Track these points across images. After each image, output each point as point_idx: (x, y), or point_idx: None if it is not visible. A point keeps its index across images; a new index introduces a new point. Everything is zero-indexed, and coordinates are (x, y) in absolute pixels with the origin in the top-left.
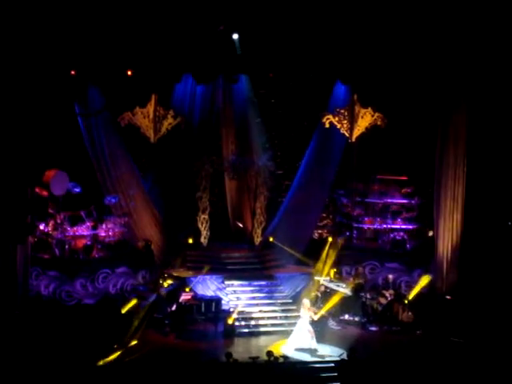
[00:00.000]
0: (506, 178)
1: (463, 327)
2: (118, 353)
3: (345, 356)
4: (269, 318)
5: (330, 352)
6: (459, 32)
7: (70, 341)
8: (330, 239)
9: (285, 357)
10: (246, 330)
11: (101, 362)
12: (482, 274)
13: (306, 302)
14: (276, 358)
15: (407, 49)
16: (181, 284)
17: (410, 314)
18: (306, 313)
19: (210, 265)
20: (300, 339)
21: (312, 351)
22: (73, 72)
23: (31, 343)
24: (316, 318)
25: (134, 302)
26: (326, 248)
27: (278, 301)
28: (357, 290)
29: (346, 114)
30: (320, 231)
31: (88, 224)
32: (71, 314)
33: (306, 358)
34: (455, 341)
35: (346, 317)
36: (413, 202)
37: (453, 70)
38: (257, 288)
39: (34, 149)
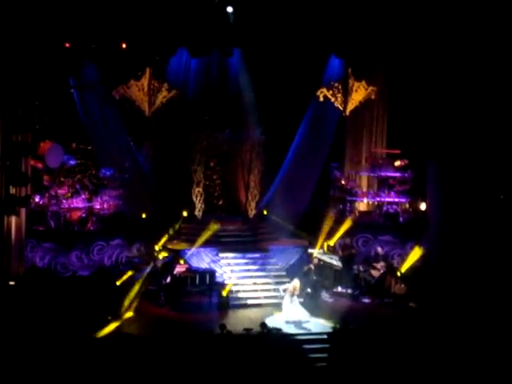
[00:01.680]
0: (498, 152)
1: (455, 299)
2: (113, 324)
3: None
4: (262, 290)
5: (322, 324)
6: None
7: (65, 312)
8: (324, 212)
9: (278, 328)
10: (240, 302)
11: (97, 334)
12: (474, 246)
13: (296, 282)
14: (269, 330)
15: (399, 21)
16: (175, 256)
17: (402, 286)
18: (292, 290)
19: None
20: (289, 312)
21: (300, 323)
22: (67, 45)
23: (26, 314)
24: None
25: (129, 273)
26: (320, 221)
27: (272, 273)
28: (347, 261)
29: (340, 87)
30: (314, 204)
31: (83, 196)
32: (66, 286)
33: (294, 330)
34: (447, 312)
35: (339, 289)
36: (406, 175)
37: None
38: (251, 260)
39: (29, 121)
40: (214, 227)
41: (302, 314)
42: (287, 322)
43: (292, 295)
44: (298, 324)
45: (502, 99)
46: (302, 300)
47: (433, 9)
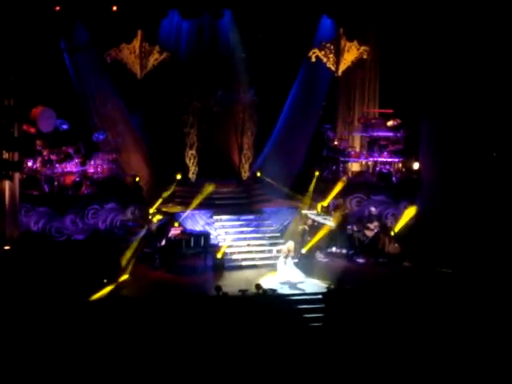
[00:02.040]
0: (491, 110)
1: (449, 257)
2: (109, 287)
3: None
4: (257, 251)
5: (317, 284)
6: None
7: (61, 276)
8: (317, 173)
9: (273, 289)
10: (235, 264)
11: (92, 297)
12: (467, 204)
13: (290, 243)
14: (264, 291)
15: None
16: (170, 219)
17: (396, 245)
18: (286, 252)
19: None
20: (284, 273)
21: (295, 284)
22: (58, 8)
23: (22, 278)
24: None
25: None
26: (313, 182)
27: (266, 235)
28: (341, 222)
29: (331, 47)
30: (307, 165)
31: (76, 160)
32: (61, 250)
33: (289, 290)
34: (443, 271)
35: (334, 249)
36: (398, 135)
37: None
38: (245, 222)
39: (20, 86)
40: (208, 189)
41: (296, 275)
42: (282, 283)
43: (286, 257)
44: (292, 284)
45: (495, 56)
46: (296, 261)
47: None
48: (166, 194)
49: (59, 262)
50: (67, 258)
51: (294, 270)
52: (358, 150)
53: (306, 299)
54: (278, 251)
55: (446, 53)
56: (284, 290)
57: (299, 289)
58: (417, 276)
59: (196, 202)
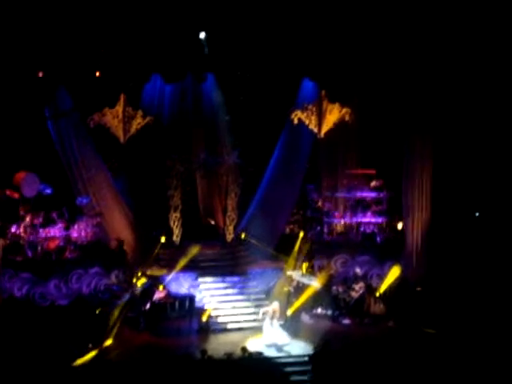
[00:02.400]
0: (471, 172)
1: (434, 318)
2: (93, 352)
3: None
4: (242, 313)
5: (303, 346)
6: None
7: (45, 342)
8: (302, 234)
9: (259, 352)
10: (221, 327)
11: (77, 362)
12: (450, 264)
13: (276, 305)
14: (250, 354)
15: (373, 45)
16: (154, 282)
17: (381, 306)
18: (271, 313)
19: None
20: (270, 335)
21: (281, 346)
22: (40, 74)
23: (5, 345)
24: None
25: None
26: (298, 243)
27: (251, 296)
28: (326, 283)
29: (314, 109)
30: (291, 226)
31: (60, 225)
32: (45, 315)
33: (275, 353)
34: (427, 332)
35: (319, 310)
36: (382, 195)
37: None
38: (230, 284)
39: (3, 151)
40: (193, 251)
41: (282, 337)
42: (268, 346)
43: (272, 318)
44: (278, 347)
45: (475, 115)
46: (282, 322)
47: (403, 34)
48: (150, 258)
49: (43, 327)
50: (51, 324)
51: (280, 331)
52: (341, 210)
53: (292, 361)
54: (264, 313)
55: (425, 112)
56: (270, 352)
57: (285, 351)
58: (401, 336)
59: (181, 264)
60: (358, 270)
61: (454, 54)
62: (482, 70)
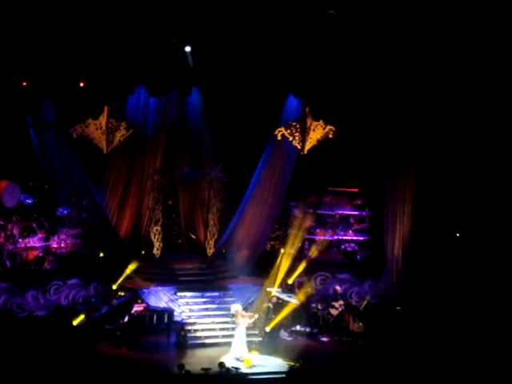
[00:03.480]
0: (453, 191)
1: (412, 336)
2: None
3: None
4: (221, 329)
5: (280, 362)
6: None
7: (21, 353)
8: (283, 251)
9: (236, 367)
10: (199, 342)
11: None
12: (430, 283)
13: (236, 308)
14: (228, 370)
15: (358, 63)
16: (133, 295)
17: (360, 324)
18: (241, 320)
19: (162, 276)
20: (239, 348)
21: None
22: (24, 83)
23: None
24: (251, 321)
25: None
26: (279, 259)
27: (231, 312)
28: (305, 300)
29: (298, 126)
30: (272, 242)
31: (40, 235)
32: (22, 326)
33: (251, 369)
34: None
35: (298, 327)
36: (363, 213)
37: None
38: (209, 299)
39: None
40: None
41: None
42: (234, 359)
43: (235, 321)
44: (256, 363)
45: (457, 136)
46: (260, 339)
47: (388, 55)
48: (129, 270)
49: (20, 338)
50: (28, 335)
51: (244, 347)
52: (322, 228)
53: (269, 378)
54: (234, 314)
55: (408, 131)
56: (247, 368)
57: (263, 367)
58: (379, 354)
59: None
60: (338, 288)
61: (438, 79)
62: (464, 98)
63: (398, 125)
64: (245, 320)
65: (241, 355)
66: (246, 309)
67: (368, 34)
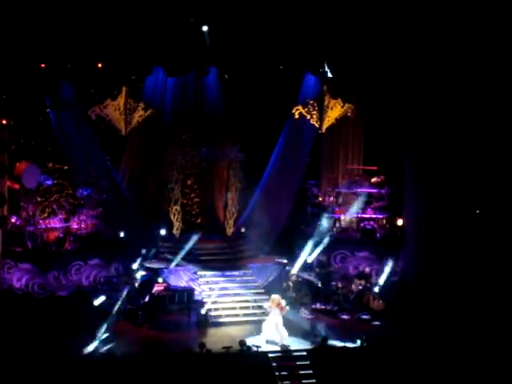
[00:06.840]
0: (475, 167)
1: (433, 314)
2: (92, 345)
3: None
4: (241, 307)
5: (301, 341)
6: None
7: (44, 333)
8: (302, 229)
9: (257, 346)
10: (219, 320)
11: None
12: (450, 261)
13: (274, 297)
14: (249, 348)
15: (374, 38)
16: (154, 275)
17: (380, 302)
18: (275, 308)
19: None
20: (271, 332)
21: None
22: (43, 65)
23: (4, 336)
24: (283, 313)
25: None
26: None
27: (251, 291)
28: (326, 278)
29: (315, 104)
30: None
31: (60, 216)
32: (44, 307)
33: (272, 347)
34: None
35: (318, 306)
36: (382, 191)
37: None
38: (229, 278)
39: (5, 142)
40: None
41: (281, 336)
42: (266, 342)
43: (269, 312)
44: (275, 344)
45: (477, 113)
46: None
47: (408, 29)
48: (150, 250)
49: (42, 318)
50: (50, 315)
51: (281, 330)
52: (342, 206)
53: (290, 356)
54: (269, 307)
55: (430, 110)
56: (268, 346)
57: (284, 345)
58: (400, 333)
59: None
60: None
61: (457, 52)
62: (483, 67)
63: (417, 101)
64: (278, 310)
65: (273, 338)
66: (266, 287)
67: (388, 10)
